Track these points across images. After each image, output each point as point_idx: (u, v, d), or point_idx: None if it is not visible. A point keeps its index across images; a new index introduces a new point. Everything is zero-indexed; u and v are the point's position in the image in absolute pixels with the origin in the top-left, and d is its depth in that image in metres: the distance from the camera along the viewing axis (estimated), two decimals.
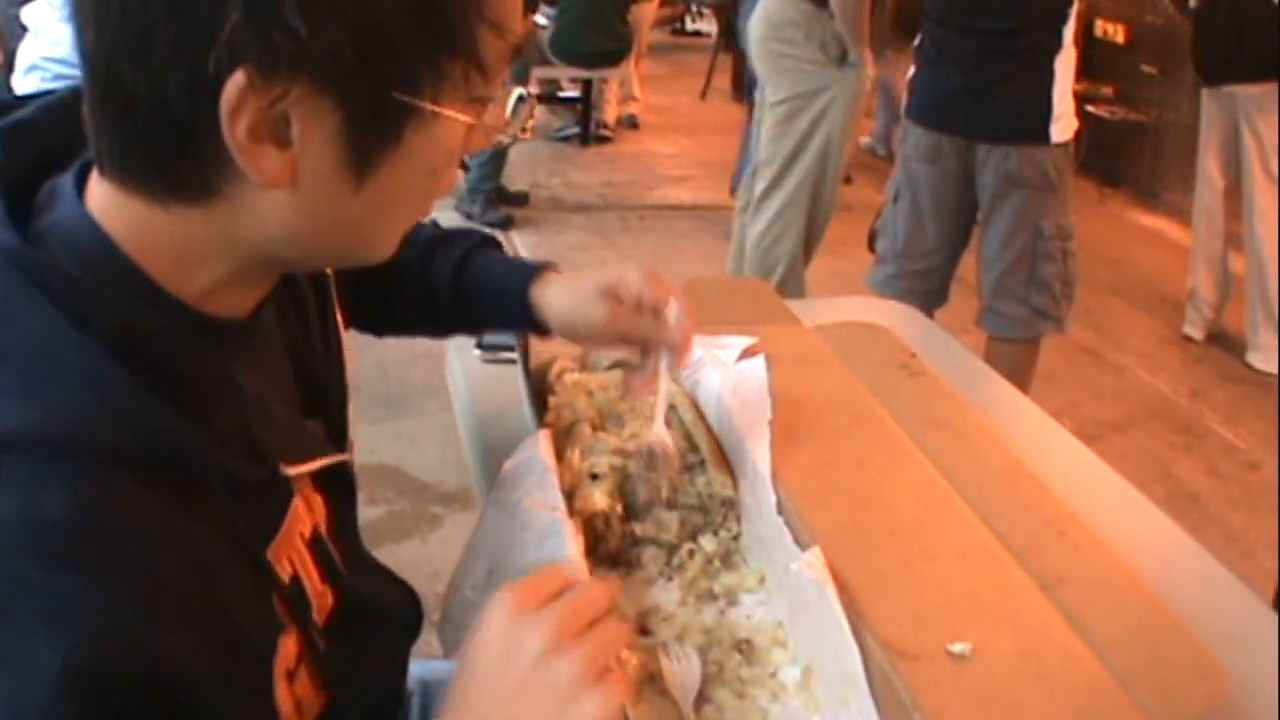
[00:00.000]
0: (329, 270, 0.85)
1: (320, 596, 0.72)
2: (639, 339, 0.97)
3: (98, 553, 0.54)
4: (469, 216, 4.55)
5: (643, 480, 0.98)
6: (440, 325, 1.09)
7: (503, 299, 1.03)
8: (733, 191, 4.36)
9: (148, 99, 0.56)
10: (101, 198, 0.62)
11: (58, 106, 0.67)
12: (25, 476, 0.54)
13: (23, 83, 2.07)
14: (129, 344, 0.58)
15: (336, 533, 0.78)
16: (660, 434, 0.98)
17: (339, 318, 0.86)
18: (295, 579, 0.69)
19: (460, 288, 1.04)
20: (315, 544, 0.73)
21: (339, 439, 0.82)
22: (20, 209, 0.61)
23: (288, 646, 0.65)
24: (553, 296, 1.00)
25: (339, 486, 0.79)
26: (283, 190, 0.60)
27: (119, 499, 0.56)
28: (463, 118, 0.63)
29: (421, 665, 1.10)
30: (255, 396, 0.68)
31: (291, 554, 0.69)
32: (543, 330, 1.02)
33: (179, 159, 0.59)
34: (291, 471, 0.69)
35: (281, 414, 0.72)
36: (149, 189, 0.60)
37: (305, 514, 0.72)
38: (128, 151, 0.60)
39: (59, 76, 2.00)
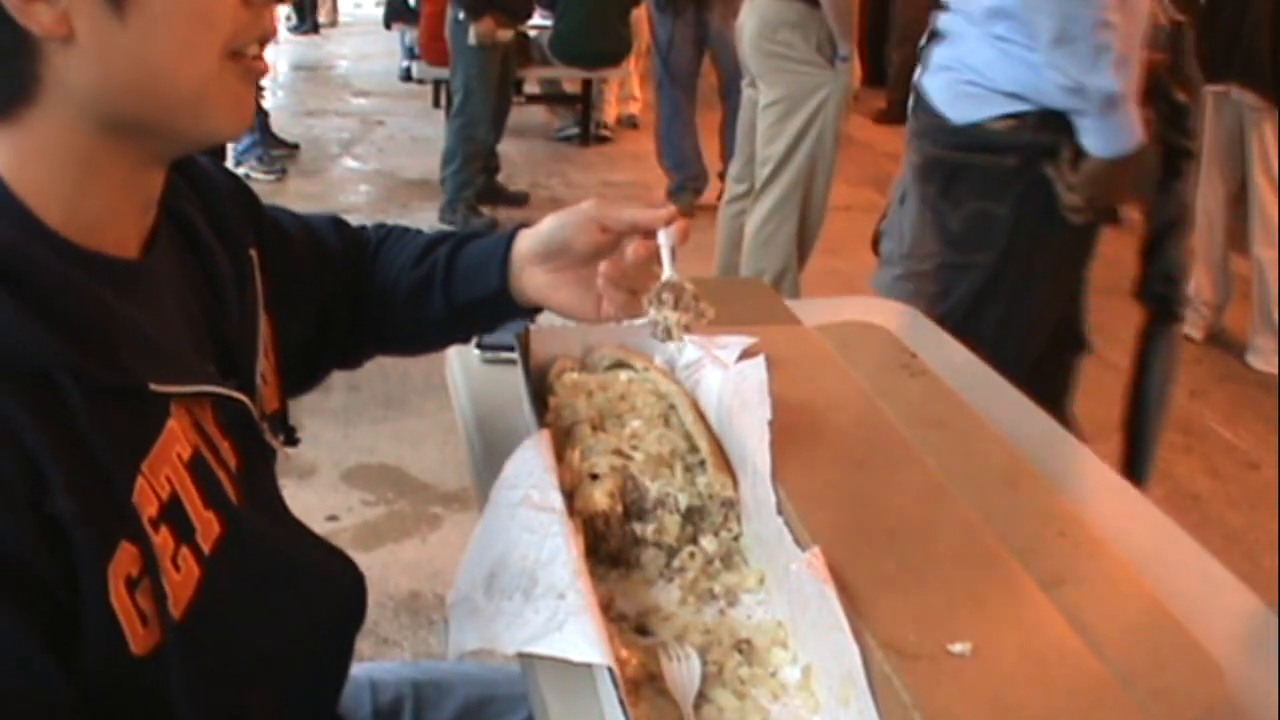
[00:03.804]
0: (252, 254, 0.90)
1: (205, 522, 0.74)
2: (630, 219, 0.98)
3: None
4: (453, 225, 4.56)
5: (662, 309, 0.95)
6: (427, 318, 1.08)
7: (488, 255, 1.04)
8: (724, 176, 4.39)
9: None
10: None
11: None
12: None
13: None
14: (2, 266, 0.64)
15: (249, 487, 0.79)
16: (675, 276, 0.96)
17: (259, 292, 0.90)
18: (174, 498, 0.71)
19: (453, 264, 1.06)
20: (196, 468, 0.74)
21: (248, 394, 0.84)
22: None
23: (129, 552, 0.67)
24: (537, 226, 1.03)
25: (249, 439, 0.82)
26: (75, 50, 0.68)
27: None
28: None
29: (413, 666, 1.11)
30: (131, 323, 0.71)
31: (169, 473, 0.71)
32: (520, 283, 1.03)
33: (7, 62, 0.69)
34: (159, 388, 0.71)
35: (163, 342, 0.75)
36: (5, 108, 0.70)
37: (183, 436, 0.74)
38: None
39: None
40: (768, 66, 3.25)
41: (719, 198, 4.45)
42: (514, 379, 1.16)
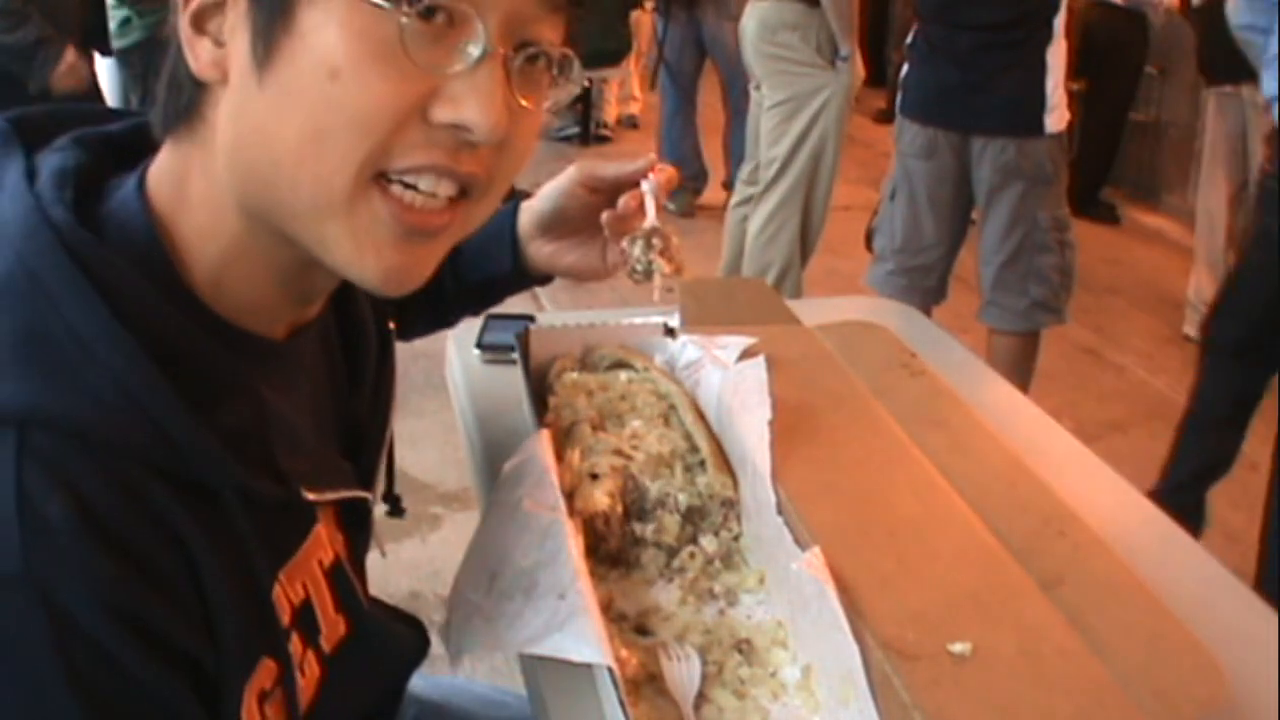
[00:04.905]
0: (391, 325, 0.86)
1: (332, 624, 0.72)
2: (615, 174, 1.01)
3: (100, 538, 0.55)
4: None
5: (635, 259, 0.99)
6: (442, 300, 1.09)
7: (494, 235, 1.05)
8: (727, 186, 4.40)
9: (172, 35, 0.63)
10: (153, 167, 0.66)
11: (144, 127, 0.69)
12: (49, 456, 0.55)
13: None
14: (162, 348, 0.58)
15: (359, 578, 0.79)
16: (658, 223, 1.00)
17: (394, 369, 0.86)
18: (306, 603, 0.69)
19: (458, 248, 1.05)
20: (334, 573, 0.72)
21: (366, 484, 0.82)
22: (89, 203, 0.63)
23: (268, 667, 0.64)
24: (530, 202, 1.05)
25: (358, 529, 0.79)
26: (226, 99, 0.61)
27: (129, 493, 0.56)
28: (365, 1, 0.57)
29: (420, 679, 1.09)
30: (281, 418, 0.67)
31: (306, 579, 0.69)
32: (529, 258, 1.05)
33: (174, 83, 0.64)
34: (313, 497, 0.68)
35: (309, 441, 0.71)
36: (165, 123, 0.64)
37: (327, 542, 0.72)
38: (160, 92, 0.65)
39: None
40: (769, 69, 3.25)
41: (725, 194, 4.44)
42: (514, 379, 1.16)
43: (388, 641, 0.84)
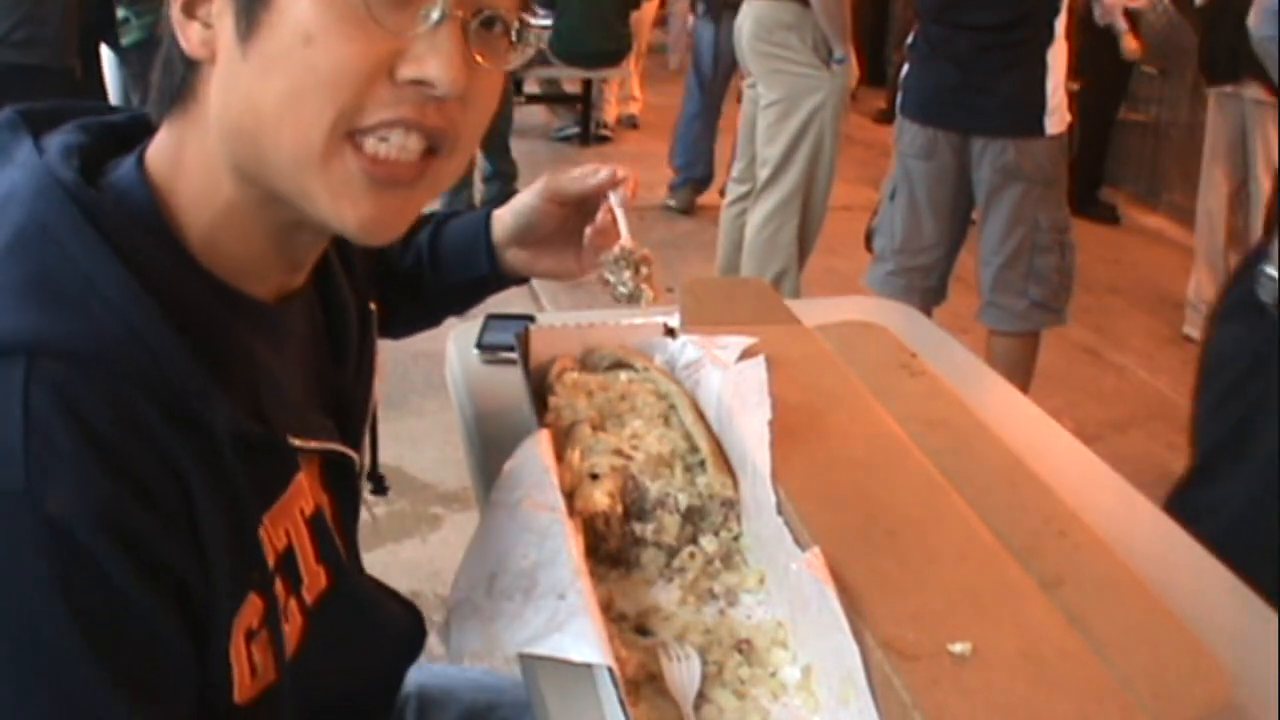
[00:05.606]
0: (372, 306, 0.89)
1: (313, 575, 0.75)
2: (579, 189, 1.06)
3: (101, 458, 0.58)
4: None
5: (618, 280, 1.02)
6: (425, 300, 1.14)
7: (471, 239, 1.10)
8: (722, 192, 4.40)
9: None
10: (151, 146, 0.71)
11: (143, 118, 0.75)
12: (56, 382, 0.58)
13: None
14: (161, 293, 0.63)
15: (344, 541, 0.81)
16: (630, 241, 1.02)
17: (376, 348, 0.90)
18: (289, 550, 0.72)
19: (436, 249, 1.11)
20: (315, 523, 0.75)
21: (352, 447, 0.84)
22: (92, 177, 0.68)
23: (254, 604, 0.67)
24: (502, 212, 1.10)
25: (345, 489, 0.82)
26: (215, 75, 0.67)
27: (130, 419, 0.60)
28: None
29: (419, 669, 1.11)
30: (269, 371, 0.71)
31: (289, 526, 0.72)
32: (505, 262, 1.10)
33: (168, 66, 0.70)
34: (297, 443, 0.72)
35: (297, 397, 0.75)
36: (161, 105, 0.70)
37: (309, 492, 0.74)
38: (155, 77, 0.71)
39: None
40: (765, 68, 3.25)
41: (721, 194, 4.44)
42: (514, 379, 1.16)
43: (375, 610, 0.86)
